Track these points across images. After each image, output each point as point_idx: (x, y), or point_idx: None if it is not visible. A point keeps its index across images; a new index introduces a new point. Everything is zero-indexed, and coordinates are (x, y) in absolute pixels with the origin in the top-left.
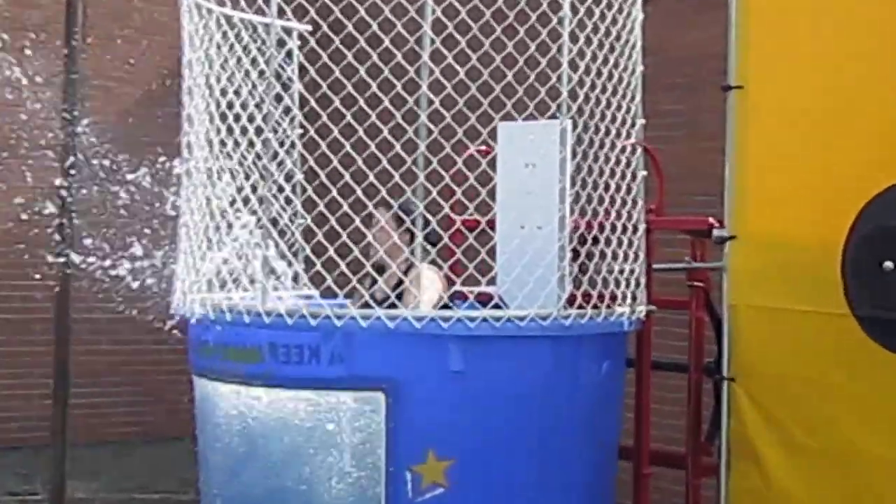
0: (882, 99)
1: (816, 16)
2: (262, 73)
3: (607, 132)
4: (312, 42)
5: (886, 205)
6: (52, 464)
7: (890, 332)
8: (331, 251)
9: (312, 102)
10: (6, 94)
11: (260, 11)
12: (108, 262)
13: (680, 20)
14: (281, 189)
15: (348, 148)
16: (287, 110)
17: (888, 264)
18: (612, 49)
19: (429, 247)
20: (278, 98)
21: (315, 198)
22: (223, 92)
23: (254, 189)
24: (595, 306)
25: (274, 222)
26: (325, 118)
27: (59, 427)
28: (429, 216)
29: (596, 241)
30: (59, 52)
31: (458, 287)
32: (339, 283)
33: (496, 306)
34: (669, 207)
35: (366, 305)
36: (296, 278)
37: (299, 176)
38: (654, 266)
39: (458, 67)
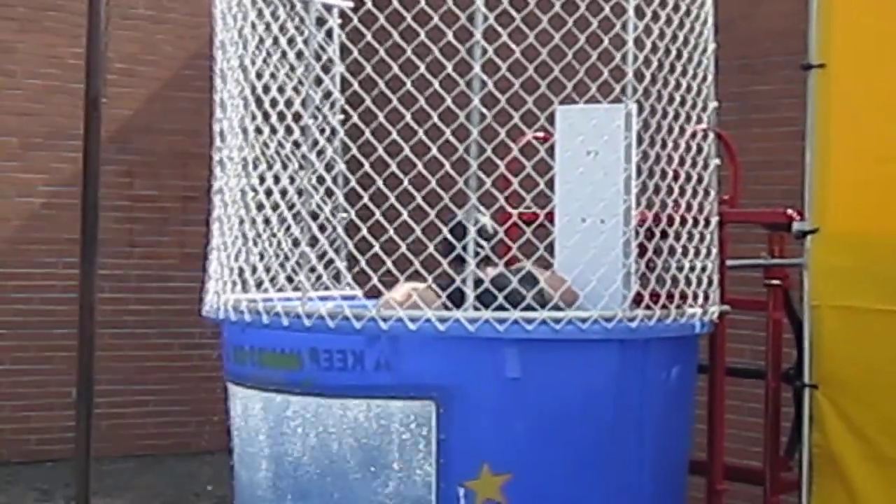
0: None
1: None
2: (300, 54)
3: (676, 116)
4: (355, 20)
5: None
6: (76, 479)
7: None
8: (376, 247)
9: (355, 85)
10: (25, 78)
11: None
12: (132, 262)
13: None
14: (321, 180)
15: (394, 135)
16: (327, 94)
17: None
18: (681, 25)
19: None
20: (318, 81)
21: (359, 189)
22: (259, 75)
23: (292, 180)
24: (664, 307)
25: (314, 216)
26: (368, 103)
27: (82, 439)
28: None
29: (665, 235)
30: (80, 33)
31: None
32: (385, 282)
33: (556, 307)
34: (745, 199)
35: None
36: (337, 277)
37: (341, 166)
38: (729, 263)
39: (513, 46)
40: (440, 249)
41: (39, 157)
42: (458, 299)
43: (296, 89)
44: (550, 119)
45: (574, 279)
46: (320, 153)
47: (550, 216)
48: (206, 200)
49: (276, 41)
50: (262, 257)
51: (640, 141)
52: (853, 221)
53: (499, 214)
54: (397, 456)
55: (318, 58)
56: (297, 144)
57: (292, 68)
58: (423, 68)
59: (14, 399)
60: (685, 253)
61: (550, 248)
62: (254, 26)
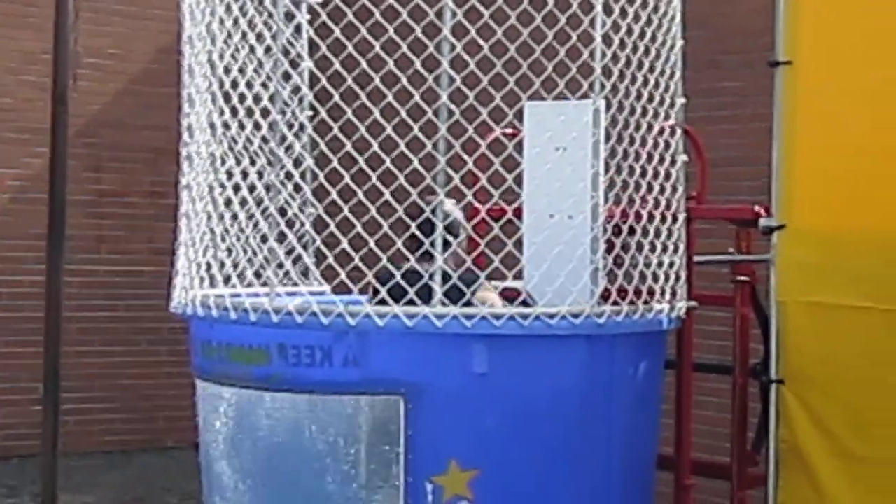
0: None
1: None
2: (268, 49)
3: (644, 113)
4: (324, 15)
5: None
6: (43, 475)
7: None
8: (344, 243)
9: (324, 81)
10: None
11: None
12: (100, 257)
13: None
14: (289, 176)
15: (363, 131)
16: (296, 90)
17: None
18: (649, 22)
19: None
20: (286, 77)
21: (327, 185)
22: (227, 70)
23: (260, 176)
24: (631, 302)
25: (282, 212)
26: (337, 98)
27: (49, 436)
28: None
29: (632, 231)
30: (48, 27)
31: (482, 282)
32: (353, 277)
33: (524, 303)
34: (712, 195)
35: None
36: (306, 273)
37: (309, 161)
38: (696, 259)
39: (481, 42)
40: (407, 244)
41: (8, 152)
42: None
43: (264, 85)
44: (519, 115)
45: (542, 275)
46: (288, 149)
47: (518, 212)
48: (174, 196)
49: (244, 36)
50: (230, 253)
51: (608, 137)
52: (820, 217)
53: (467, 210)
54: (365, 451)
55: (287, 53)
56: (265, 140)
57: (260, 64)
58: (391, 64)
59: None
60: (653, 249)
61: (518, 244)
62: (222, 21)
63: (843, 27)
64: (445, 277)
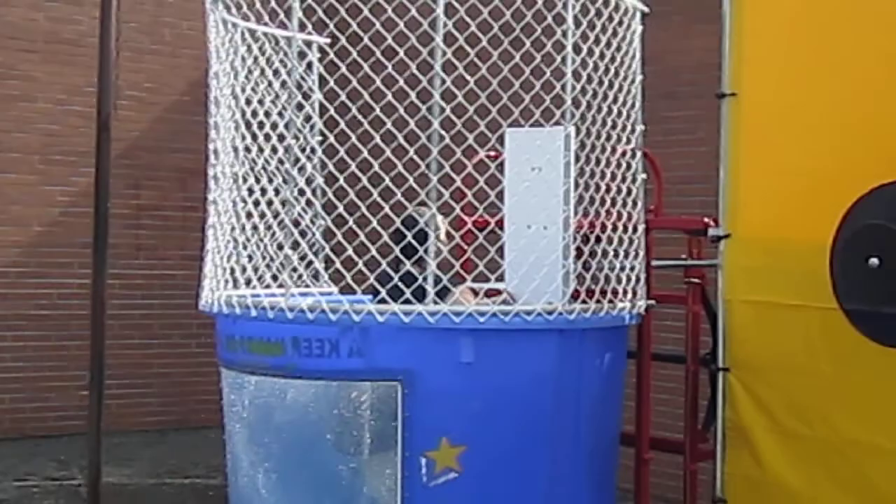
0: (865, 107)
1: (805, 29)
2: (284, 83)
3: (608, 138)
4: (332, 54)
5: (871, 205)
6: (89, 451)
7: (876, 324)
8: (349, 250)
9: (332, 111)
10: (43, 102)
11: (282, 25)
12: (138, 263)
13: (678, 32)
14: (302, 192)
15: (365, 154)
16: (308, 118)
17: (874, 261)
18: (613, 59)
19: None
20: (299, 107)
21: (334, 200)
22: (248, 101)
23: (276, 192)
24: (598, 301)
25: (296, 223)
26: (343, 125)
27: (94, 417)
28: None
29: (598, 240)
30: (93, 64)
31: (468, 284)
32: (357, 280)
33: (505, 302)
34: (668, 208)
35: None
36: (316, 276)
37: (319, 180)
38: (654, 263)
39: (468, 77)
40: (402, 252)
41: (58, 172)
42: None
43: (280, 114)
44: (500, 140)
45: (520, 277)
46: (301, 169)
47: (500, 223)
48: (202, 210)
49: (262, 72)
50: (250, 259)
51: (577, 158)
52: (761, 228)
53: (455, 222)
54: (368, 429)
55: (300, 87)
56: (281, 162)
57: (277, 96)
58: (390, 95)
59: (35, 382)
60: (616, 255)
61: (500, 251)
62: (244, 59)
63: (780, 66)
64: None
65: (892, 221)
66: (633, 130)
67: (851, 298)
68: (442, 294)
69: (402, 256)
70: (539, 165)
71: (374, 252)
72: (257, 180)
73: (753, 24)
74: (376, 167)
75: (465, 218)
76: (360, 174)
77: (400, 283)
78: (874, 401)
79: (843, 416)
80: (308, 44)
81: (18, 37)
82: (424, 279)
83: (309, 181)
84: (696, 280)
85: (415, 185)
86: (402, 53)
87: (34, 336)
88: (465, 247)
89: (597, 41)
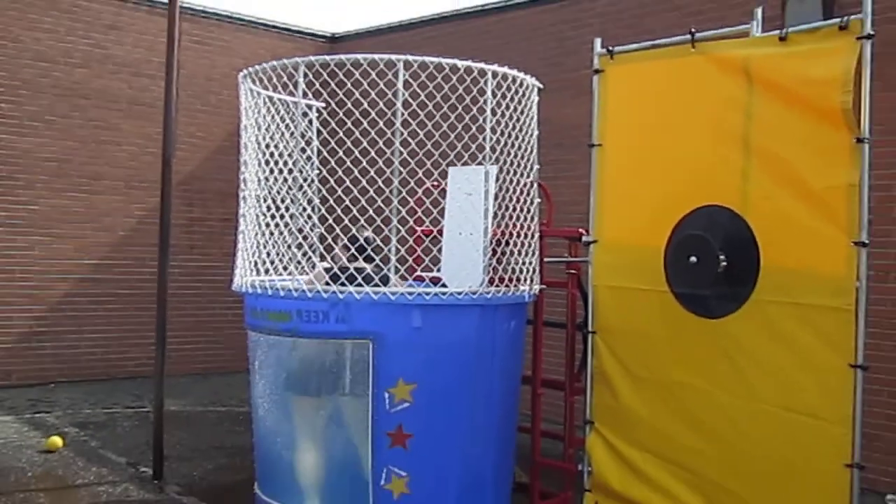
0: (687, 154)
1: (646, 100)
2: (291, 133)
3: (515, 173)
4: (324, 114)
5: (691, 221)
6: (155, 388)
7: (693, 301)
8: (336, 250)
9: (324, 153)
10: (126, 146)
11: (291, 94)
12: (191, 258)
13: (563, 102)
14: (304, 209)
15: (348, 183)
16: (308, 158)
17: (693, 259)
18: (518, 120)
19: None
20: (302, 150)
21: (326, 215)
22: (266, 146)
23: (286, 209)
24: (506, 286)
25: (299, 230)
26: (332, 163)
27: (159, 364)
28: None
29: (507, 243)
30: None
31: (419, 273)
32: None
33: (443, 285)
34: (556, 222)
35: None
36: (313, 267)
37: (315, 200)
38: (545, 259)
39: (419, 131)
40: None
41: (136, 195)
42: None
43: (289, 154)
44: (443, 174)
45: (453, 269)
46: (303, 193)
47: (441, 231)
48: (235, 220)
49: (276, 126)
50: (268, 255)
51: (494, 187)
52: (617, 236)
53: (409, 230)
54: (349, 372)
55: (302, 136)
56: (289, 188)
57: (286, 142)
58: (365, 143)
59: (119, 339)
60: (519, 254)
61: (440, 251)
62: (263, 116)
63: (630, 125)
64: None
65: (705, 232)
66: (532, 168)
67: (677, 284)
68: (384, 280)
69: (356, 258)
70: (469, 192)
71: (353, 250)
72: (273, 200)
73: (612, 97)
74: (355, 192)
75: (417, 228)
76: (344, 197)
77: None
78: (691, 354)
79: (671, 365)
80: (309, 106)
81: (111, 100)
82: (379, 271)
83: (309, 201)
84: (573, 271)
85: (382, 205)
86: (373, 114)
87: (119, 307)
88: (416, 247)
89: (507, 107)
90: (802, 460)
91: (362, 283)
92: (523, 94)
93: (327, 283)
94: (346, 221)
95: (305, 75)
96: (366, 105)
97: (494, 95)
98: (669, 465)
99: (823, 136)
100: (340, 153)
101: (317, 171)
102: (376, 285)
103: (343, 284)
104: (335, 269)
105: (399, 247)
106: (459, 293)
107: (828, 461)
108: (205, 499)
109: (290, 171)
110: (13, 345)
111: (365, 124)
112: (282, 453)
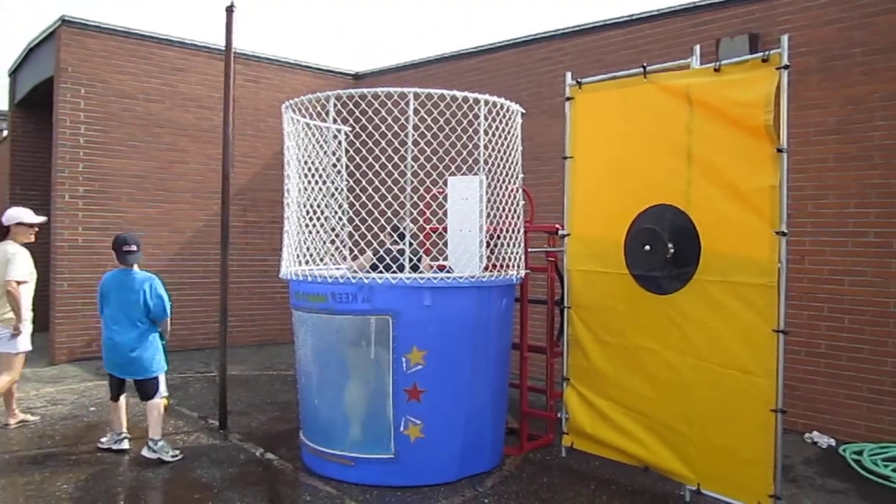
0: (642, 165)
1: (609, 120)
2: (325, 152)
3: (504, 181)
4: (351, 136)
5: (645, 218)
6: (220, 356)
7: (648, 281)
8: (361, 244)
9: (351, 167)
10: (193, 164)
11: (323, 120)
12: (246, 252)
13: (542, 123)
14: (335, 213)
15: (370, 191)
16: (338, 172)
17: (646, 247)
18: (505, 138)
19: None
20: (333, 165)
21: (353, 217)
22: (305, 162)
23: (322, 213)
24: (498, 271)
25: (332, 230)
26: (358, 175)
27: (222, 336)
28: (403, 229)
29: (498, 238)
30: (219, 141)
31: (428, 261)
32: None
33: (449, 271)
34: (537, 220)
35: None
36: (344, 258)
37: (345, 205)
38: (529, 250)
39: (426, 149)
40: (394, 242)
41: (202, 203)
42: (386, 266)
43: (323, 169)
44: (446, 183)
45: (456, 258)
46: (335, 199)
47: (446, 229)
48: (281, 221)
49: (312, 145)
50: (307, 249)
51: (487, 192)
52: (586, 231)
53: (422, 228)
54: (374, 341)
55: (334, 154)
56: (323, 196)
57: (321, 160)
58: (383, 159)
59: (190, 318)
60: (508, 246)
61: (445, 244)
62: (301, 138)
63: (596, 141)
64: (400, 258)
65: (656, 226)
66: (517, 177)
67: (635, 267)
68: (416, 266)
69: (398, 243)
70: (466, 196)
71: (375, 245)
72: (311, 206)
73: (581, 119)
74: (376, 198)
75: (426, 226)
76: (367, 202)
77: (390, 262)
78: (647, 323)
79: (631, 331)
80: (338, 130)
81: (180, 128)
82: (406, 258)
83: (340, 206)
84: (552, 259)
85: (398, 208)
86: (389, 135)
87: (189, 293)
88: (425, 242)
89: (496, 129)
90: (736, 406)
91: (404, 263)
92: (509, 118)
93: (373, 267)
94: (369, 221)
95: (335, 105)
96: (383, 128)
97: (486, 119)
98: (630, 411)
99: (750, 147)
100: (364, 167)
101: (345, 182)
102: (414, 265)
103: (388, 265)
104: (381, 252)
105: (412, 241)
106: (461, 278)
107: (756, 407)
108: (261, 444)
109: (325, 183)
110: None
111: (383, 144)
112: (321, 407)
